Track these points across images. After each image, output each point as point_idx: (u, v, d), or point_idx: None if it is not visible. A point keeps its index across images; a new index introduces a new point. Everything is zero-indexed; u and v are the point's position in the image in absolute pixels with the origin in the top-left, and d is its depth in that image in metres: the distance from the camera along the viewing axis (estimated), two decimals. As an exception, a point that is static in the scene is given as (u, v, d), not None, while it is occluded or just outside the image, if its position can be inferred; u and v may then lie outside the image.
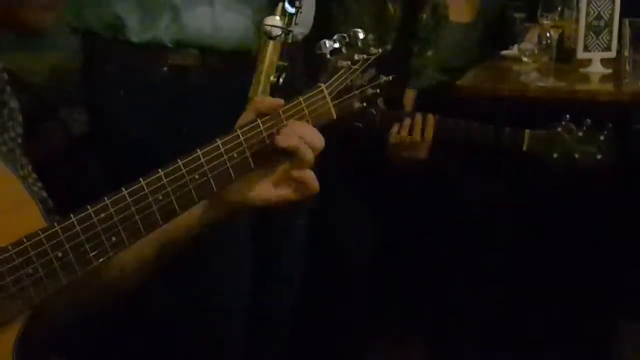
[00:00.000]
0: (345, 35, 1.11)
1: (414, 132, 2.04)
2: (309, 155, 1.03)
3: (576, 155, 1.99)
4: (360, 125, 1.15)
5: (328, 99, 1.09)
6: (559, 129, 1.99)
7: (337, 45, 1.11)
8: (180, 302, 1.65)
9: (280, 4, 1.45)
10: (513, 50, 2.52)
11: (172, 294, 1.58)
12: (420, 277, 2.24)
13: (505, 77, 2.35)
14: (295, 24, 1.43)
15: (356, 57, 1.11)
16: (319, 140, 1.04)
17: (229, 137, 1.03)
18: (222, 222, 1.07)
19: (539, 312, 2.38)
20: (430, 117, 2.06)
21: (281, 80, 1.23)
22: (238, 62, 1.54)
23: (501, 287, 2.22)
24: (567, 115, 1.99)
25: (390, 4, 2.25)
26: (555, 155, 1.99)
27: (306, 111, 1.07)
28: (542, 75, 2.24)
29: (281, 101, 1.05)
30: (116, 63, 1.61)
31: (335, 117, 1.09)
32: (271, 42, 1.36)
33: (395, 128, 2.05)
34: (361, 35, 1.12)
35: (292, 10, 1.43)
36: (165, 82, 1.59)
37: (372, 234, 2.16)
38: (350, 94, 1.11)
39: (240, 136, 1.03)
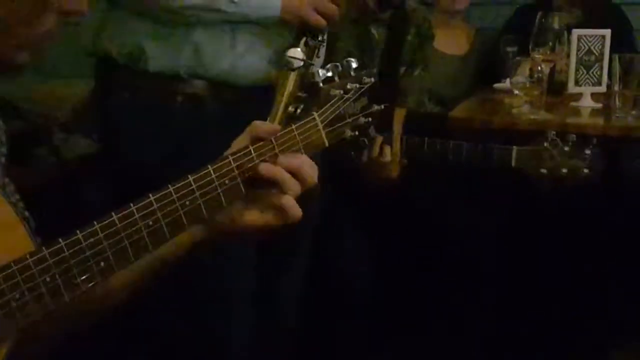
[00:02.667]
0: (338, 64, 1.12)
1: (383, 152, 2.02)
2: (293, 187, 1.03)
3: (564, 170, 1.99)
4: (353, 153, 1.15)
5: (320, 127, 1.09)
6: (546, 144, 2.00)
7: (330, 74, 1.12)
8: (179, 316, 1.65)
9: (304, 38, 1.48)
10: (505, 83, 2.54)
11: (171, 308, 1.57)
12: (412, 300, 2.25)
13: (497, 110, 2.37)
14: (317, 57, 1.45)
15: (349, 86, 1.12)
16: (309, 174, 1.04)
17: (220, 163, 1.02)
18: (212, 243, 1.07)
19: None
20: (397, 136, 2.04)
21: (299, 111, 1.24)
22: (253, 95, 1.57)
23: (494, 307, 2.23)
24: (553, 132, 2.00)
25: (374, 29, 2.27)
26: (543, 171, 2.00)
27: (298, 138, 1.08)
28: (534, 108, 2.25)
29: (277, 127, 1.06)
30: (132, 91, 1.62)
31: (327, 144, 1.10)
32: (291, 74, 1.37)
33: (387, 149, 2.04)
34: (354, 65, 1.13)
35: (315, 43, 1.45)
36: (179, 112, 1.61)
37: (360, 258, 2.17)
38: (342, 122, 1.12)
39: (232, 162, 1.03)
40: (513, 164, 2.02)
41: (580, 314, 2.37)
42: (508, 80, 2.48)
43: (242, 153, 1.03)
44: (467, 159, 2.04)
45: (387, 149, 2.01)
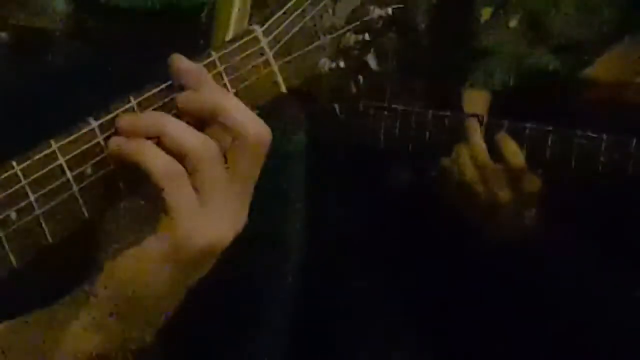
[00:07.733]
0: None
1: (506, 152, 1.12)
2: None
3: None
4: (337, 106, 0.62)
5: (269, 54, 0.58)
6: None
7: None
8: None
9: None
10: None
11: None
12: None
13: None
14: None
15: (322, -31, 0.59)
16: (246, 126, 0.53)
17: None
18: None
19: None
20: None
21: None
22: (153, 31, 0.97)
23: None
24: None
25: None
26: None
27: (226, 79, 0.57)
28: None
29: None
30: None
31: (283, 88, 0.58)
32: None
33: (463, 150, 1.14)
34: None
35: None
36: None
37: None
38: (313, 44, 0.60)
39: (97, 130, 0.53)
40: None
41: None
42: None
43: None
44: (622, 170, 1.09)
45: (515, 151, 1.10)
